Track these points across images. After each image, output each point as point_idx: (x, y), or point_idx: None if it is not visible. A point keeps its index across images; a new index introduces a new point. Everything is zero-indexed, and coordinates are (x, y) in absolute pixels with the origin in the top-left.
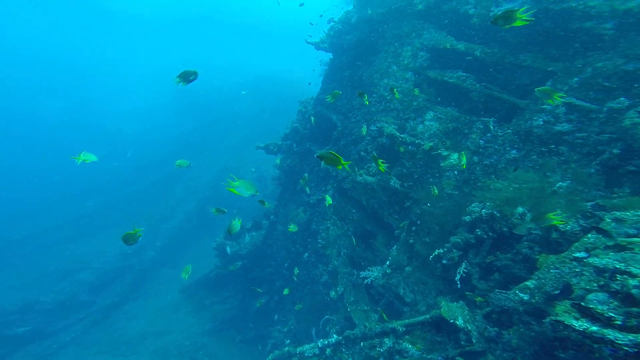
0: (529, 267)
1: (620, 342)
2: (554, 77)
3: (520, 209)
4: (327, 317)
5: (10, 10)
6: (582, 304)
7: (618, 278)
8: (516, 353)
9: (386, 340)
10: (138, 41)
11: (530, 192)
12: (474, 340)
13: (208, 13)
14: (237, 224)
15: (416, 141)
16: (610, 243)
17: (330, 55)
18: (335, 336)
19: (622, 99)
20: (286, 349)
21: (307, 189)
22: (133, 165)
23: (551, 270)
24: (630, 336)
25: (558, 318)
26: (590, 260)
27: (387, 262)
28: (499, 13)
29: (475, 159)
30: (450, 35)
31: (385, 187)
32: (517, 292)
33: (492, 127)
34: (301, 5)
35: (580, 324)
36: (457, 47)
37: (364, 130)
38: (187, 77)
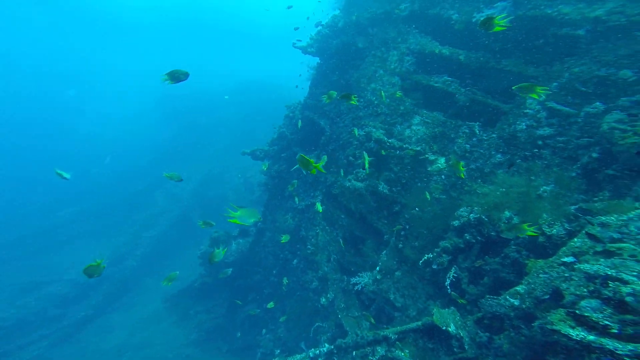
0: (517, 271)
1: (620, 352)
2: (535, 82)
3: (507, 213)
4: (318, 324)
5: None
6: (577, 312)
7: (610, 285)
8: (508, 358)
9: (378, 348)
10: (120, 45)
11: (516, 196)
12: (466, 347)
13: (194, 17)
14: (220, 253)
15: (404, 146)
16: (599, 248)
17: (317, 59)
18: (326, 345)
19: (597, 103)
20: (276, 359)
21: (297, 199)
22: (112, 172)
23: (540, 275)
24: (630, 346)
25: (554, 327)
26: (581, 266)
27: (377, 268)
28: (482, 19)
29: (462, 163)
30: (435, 40)
31: (374, 192)
32: (507, 297)
33: (477, 132)
34: (289, 7)
35: (577, 333)
36: (442, 52)
37: (356, 132)
38: (176, 76)
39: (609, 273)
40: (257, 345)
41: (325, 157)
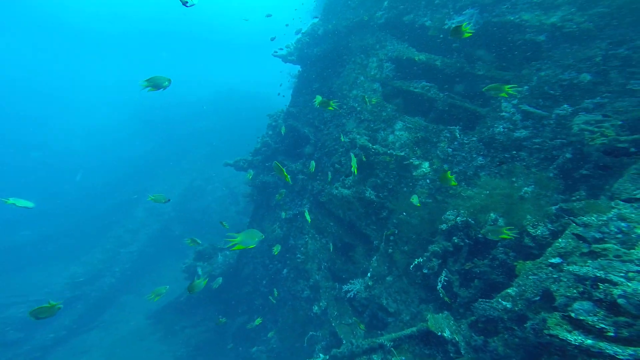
0: (506, 272)
1: (621, 357)
2: (514, 87)
3: (493, 215)
4: (311, 333)
5: None
6: (573, 315)
7: (600, 287)
8: None
9: (374, 357)
10: (92, 55)
11: (500, 198)
12: (462, 352)
13: (169, 28)
14: (200, 284)
15: (388, 151)
16: (585, 249)
17: (298, 67)
18: (321, 355)
19: (565, 105)
20: None
21: (283, 214)
22: (85, 188)
23: (530, 277)
24: (630, 350)
25: (551, 332)
26: (570, 268)
27: (369, 274)
28: (452, 29)
29: (446, 166)
30: (412, 46)
31: (361, 199)
32: (500, 300)
33: (458, 135)
34: (268, 16)
35: (575, 338)
36: (419, 58)
37: (342, 137)
38: (158, 82)
39: (598, 275)
40: (250, 357)
41: (313, 163)
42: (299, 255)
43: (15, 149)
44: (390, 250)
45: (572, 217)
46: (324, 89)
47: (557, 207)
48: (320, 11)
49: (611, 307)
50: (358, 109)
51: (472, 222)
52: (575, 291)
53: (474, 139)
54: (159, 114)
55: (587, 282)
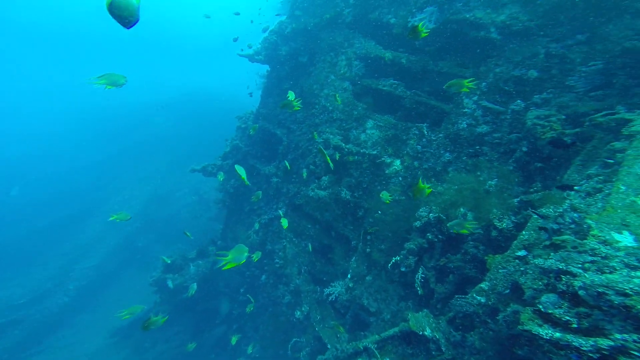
0: (477, 266)
1: (584, 348)
2: (475, 82)
3: (462, 210)
4: (295, 339)
5: None
6: (542, 308)
7: (563, 279)
8: (481, 355)
9: None
10: (31, 55)
11: (469, 193)
12: (443, 349)
13: (118, 29)
14: (158, 321)
15: (361, 150)
16: (547, 242)
17: (267, 67)
18: None
19: (519, 101)
20: None
21: (257, 224)
22: (23, 202)
23: (500, 270)
24: (591, 341)
25: (525, 327)
26: (536, 261)
27: (349, 275)
28: (408, 30)
29: (416, 163)
30: (379, 44)
31: (337, 199)
32: (474, 295)
33: (426, 132)
34: (237, 14)
35: (546, 332)
36: (385, 56)
37: (316, 136)
38: (114, 80)
39: (560, 267)
40: None
41: (287, 163)
42: (277, 260)
43: None
44: (368, 250)
45: (534, 210)
46: (295, 89)
47: (518, 199)
48: (287, 9)
49: (573, 298)
50: (330, 108)
51: (444, 217)
52: (541, 283)
53: (441, 135)
54: (113, 119)
55: (551, 275)
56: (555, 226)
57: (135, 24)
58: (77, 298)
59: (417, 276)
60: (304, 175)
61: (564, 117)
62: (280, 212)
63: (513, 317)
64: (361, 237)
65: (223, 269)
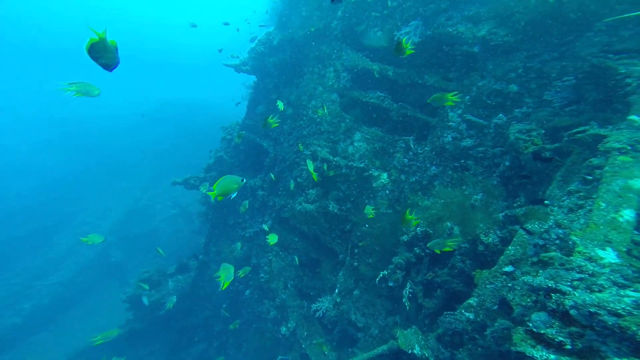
0: (465, 280)
1: None
2: (459, 95)
3: (449, 224)
4: (280, 357)
5: None
6: (534, 329)
7: (553, 297)
8: None
9: None
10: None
11: (456, 207)
12: None
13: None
14: (111, 334)
15: (349, 163)
16: (535, 259)
17: (253, 77)
18: None
19: (501, 115)
20: None
21: (239, 244)
22: None
23: (487, 286)
24: None
25: (518, 349)
26: (524, 278)
27: (336, 290)
28: (394, 46)
29: (403, 177)
30: (368, 56)
31: (325, 213)
32: (463, 311)
33: (412, 145)
34: (226, 24)
35: (541, 354)
36: (372, 68)
37: (301, 147)
38: (87, 89)
39: (550, 285)
40: None
41: (272, 175)
42: (262, 274)
43: None
44: (355, 264)
45: (523, 227)
46: (283, 99)
47: (503, 214)
48: (274, 20)
49: (563, 317)
50: (318, 120)
51: (431, 232)
52: (529, 300)
53: (427, 148)
54: (93, 130)
55: (541, 292)
56: (540, 242)
57: (116, 67)
58: (33, 317)
59: (404, 291)
60: (292, 186)
61: (543, 131)
62: (265, 227)
63: (501, 333)
64: (349, 251)
65: (223, 288)
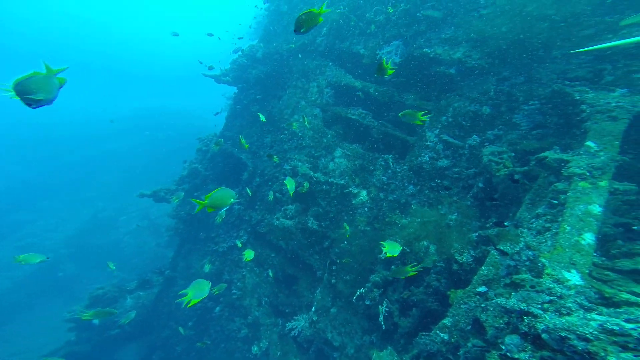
0: (439, 299)
1: None
2: (430, 116)
3: (425, 243)
4: None
5: None
6: (508, 353)
7: (525, 319)
8: None
9: None
10: None
11: (433, 227)
12: None
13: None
14: None
15: (329, 180)
16: (507, 280)
17: (234, 89)
18: None
19: (474, 136)
20: None
21: (207, 266)
22: None
23: (462, 306)
24: None
25: None
26: (498, 300)
27: (313, 308)
28: (376, 67)
29: (382, 195)
30: (351, 73)
31: (304, 229)
32: (437, 332)
33: (391, 164)
34: (210, 35)
35: None
36: (354, 85)
37: (276, 159)
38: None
39: (522, 307)
40: None
41: (248, 190)
42: (235, 290)
43: None
44: (333, 281)
45: (496, 247)
46: (264, 112)
47: (476, 234)
48: (259, 33)
49: (535, 340)
50: (299, 134)
51: (408, 250)
52: (501, 321)
53: (405, 167)
54: (48, 137)
55: (513, 315)
56: (512, 262)
57: (49, 103)
58: None
59: (381, 309)
60: (270, 197)
61: (513, 154)
62: (238, 242)
63: (474, 354)
64: (327, 268)
65: (188, 306)
